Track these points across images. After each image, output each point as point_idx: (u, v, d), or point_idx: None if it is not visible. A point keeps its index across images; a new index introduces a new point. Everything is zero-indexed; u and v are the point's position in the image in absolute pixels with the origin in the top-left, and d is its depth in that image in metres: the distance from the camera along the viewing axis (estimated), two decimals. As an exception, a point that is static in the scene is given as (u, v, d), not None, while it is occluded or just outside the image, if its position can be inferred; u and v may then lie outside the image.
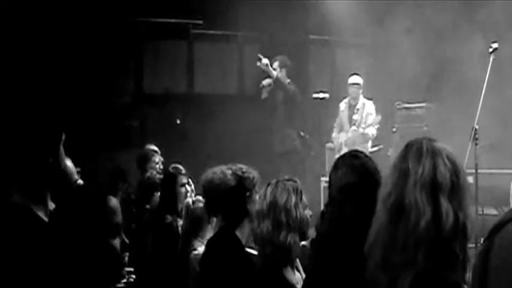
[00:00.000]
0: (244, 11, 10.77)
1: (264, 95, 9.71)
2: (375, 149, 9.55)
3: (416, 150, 2.39)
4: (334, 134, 9.87)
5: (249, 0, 10.68)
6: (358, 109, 9.59)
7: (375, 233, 2.41)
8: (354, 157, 3.23)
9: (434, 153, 2.37)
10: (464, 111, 8.56)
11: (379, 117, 9.47)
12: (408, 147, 2.43)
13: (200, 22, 11.35)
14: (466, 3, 9.82)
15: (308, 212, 3.85)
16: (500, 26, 8.75)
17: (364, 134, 9.48)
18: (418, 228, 2.28)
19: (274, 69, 9.45)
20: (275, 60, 9.53)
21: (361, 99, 9.66)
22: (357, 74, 9.69)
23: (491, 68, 7.74)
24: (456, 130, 8.23)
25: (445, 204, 2.30)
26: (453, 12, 10.05)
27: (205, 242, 5.17)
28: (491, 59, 7.71)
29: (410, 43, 10.27)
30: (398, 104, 10.22)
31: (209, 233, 5.13)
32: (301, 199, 3.81)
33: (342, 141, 9.68)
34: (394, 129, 9.79)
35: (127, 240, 2.82)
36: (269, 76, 9.57)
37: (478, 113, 7.54)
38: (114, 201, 2.76)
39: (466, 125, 8.02)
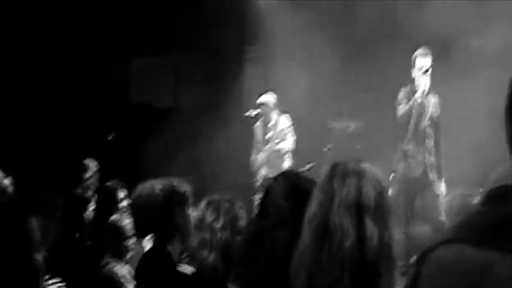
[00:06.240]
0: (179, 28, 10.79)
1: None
2: (306, 167, 9.54)
3: (342, 171, 2.38)
4: (252, 157, 9.80)
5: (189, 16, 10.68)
6: (270, 127, 9.60)
7: (300, 254, 2.39)
8: (291, 175, 3.17)
9: (360, 174, 2.36)
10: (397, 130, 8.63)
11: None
12: (334, 167, 2.42)
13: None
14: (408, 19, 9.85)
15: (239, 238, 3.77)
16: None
17: (277, 150, 9.50)
18: (342, 249, 2.27)
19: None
20: None
21: (274, 116, 9.62)
22: (266, 92, 9.70)
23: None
24: (390, 150, 8.28)
25: (370, 225, 2.29)
26: (388, 31, 10.16)
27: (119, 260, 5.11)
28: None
29: (347, 60, 10.35)
30: (331, 123, 10.27)
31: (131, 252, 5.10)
32: (233, 222, 3.74)
33: (259, 162, 9.66)
34: (327, 148, 9.83)
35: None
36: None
37: (408, 134, 7.60)
38: (32, 221, 2.71)
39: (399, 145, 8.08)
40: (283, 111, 9.60)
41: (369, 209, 2.31)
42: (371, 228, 2.28)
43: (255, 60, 11.48)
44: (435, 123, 7.73)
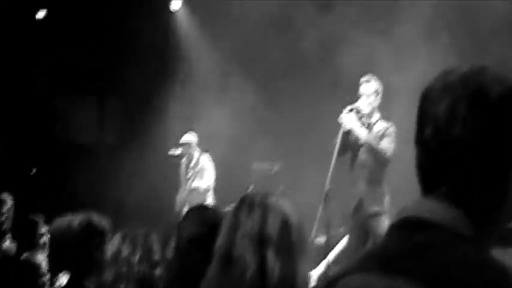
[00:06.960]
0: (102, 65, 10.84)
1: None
2: (229, 208, 9.54)
3: (248, 204, 2.43)
4: (177, 195, 9.87)
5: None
6: (192, 166, 9.72)
7: (207, 282, 2.43)
8: (202, 209, 3.25)
9: (266, 207, 2.41)
10: (322, 169, 8.58)
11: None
12: (241, 200, 2.47)
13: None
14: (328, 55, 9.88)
15: (158, 271, 3.74)
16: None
17: (194, 189, 9.59)
18: (243, 280, 2.30)
19: None
20: None
21: (196, 155, 9.75)
22: (189, 132, 9.81)
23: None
24: (313, 189, 8.24)
25: (271, 258, 2.33)
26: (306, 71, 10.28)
27: None
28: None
29: (268, 99, 10.45)
30: (254, 163, 10.33)
31: None
32: (150, 255, 3.72)
33: (182, 200, 9.69)
34: (249, 189, 9.86)
35: None
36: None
37: (329, 174, 7.49)
38: None
39: (323, 184, 7.98)
40: (204, 150, 9.70)
41: (272, 242, 2.34)
42: (272, 261, 2.32)
43: (178, 98, 11.50)
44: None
